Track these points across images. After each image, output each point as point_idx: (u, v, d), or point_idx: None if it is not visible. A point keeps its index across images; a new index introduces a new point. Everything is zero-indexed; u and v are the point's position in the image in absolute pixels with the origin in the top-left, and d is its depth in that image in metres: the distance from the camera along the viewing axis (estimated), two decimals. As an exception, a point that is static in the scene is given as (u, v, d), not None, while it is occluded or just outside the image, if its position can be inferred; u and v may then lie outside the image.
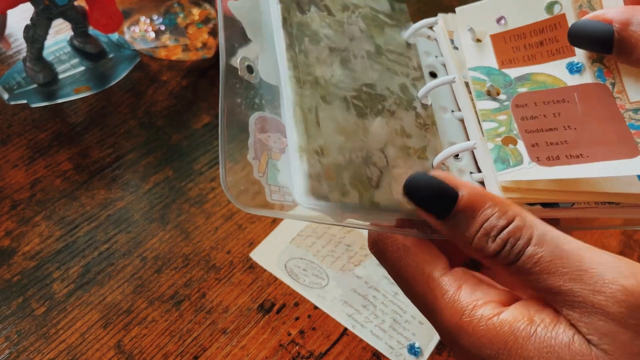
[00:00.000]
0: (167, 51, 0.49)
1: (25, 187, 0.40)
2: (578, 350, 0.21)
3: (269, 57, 0.27)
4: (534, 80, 0.30)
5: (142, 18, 0.50)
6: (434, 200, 0.24)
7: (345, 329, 0.37)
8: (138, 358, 0.34)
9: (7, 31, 0.46)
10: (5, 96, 0.43)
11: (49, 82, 0.45)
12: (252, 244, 0.39)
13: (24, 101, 0.44)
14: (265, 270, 0.38)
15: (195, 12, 0.51)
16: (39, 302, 0.35)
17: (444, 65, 0.32)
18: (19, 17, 0.47)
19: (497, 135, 0.28)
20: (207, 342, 0.35)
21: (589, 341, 0.21)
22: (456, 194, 0.23)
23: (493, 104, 0.30)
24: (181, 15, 0.50)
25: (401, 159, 0.27)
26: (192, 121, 0.46)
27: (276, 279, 0.38)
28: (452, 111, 0.30)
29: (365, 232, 0.42)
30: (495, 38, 0.32)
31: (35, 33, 0.42)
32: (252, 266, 0.39)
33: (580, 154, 0.27)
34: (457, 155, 0.29)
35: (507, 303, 0.23)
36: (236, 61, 0.26)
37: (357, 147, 0.27)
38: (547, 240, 0.22)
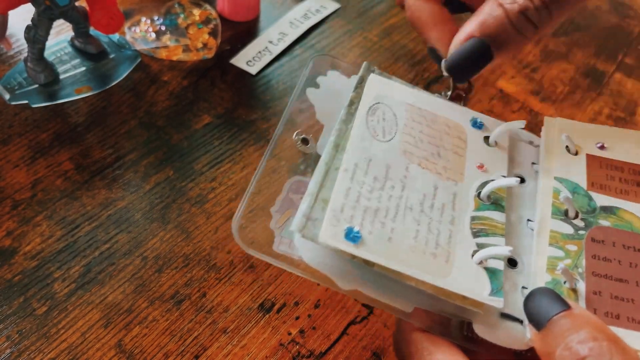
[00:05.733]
0: (168, 51, 0.49)
1: (26, 187, 0.40)
2: None
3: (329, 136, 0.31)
4: (620, 216, 0.28)
5: (143, 18, 0.50)
6: (545, 305, 0.23)
7: (346, 329, 0.37)
8: (139, 357, 0.34)
9: (8, 31, 0.46)
10: (7, 96, 0.44)
11: (50, 82, 0.45)
12: (253, 244, 0.40)
13: (25, 101, 0.44)
14: (265, 270, 0.39)
15: (196, 12, 0.51)
16: (40, 302, 0.36)
17: (537, 172, 0.32)
18: (20, 18, 0.47)
19: (559, 267, 0.26)
20: (208, 341, 0.35)
21: None
22: (567, 306, 0.22)
23: (567, 228, 0.28)
24: (182, 16, 0.50)
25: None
26: (193, 121, 0.46)
27: (277, 278, 0.38)
28: (528, 220, 0.30)
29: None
30: (591, 158, 0.30)
31: (37, 33, 0.42)
32: (253, 266, 0.39)
33: None
34: (516, 265, 0.28)
35: None
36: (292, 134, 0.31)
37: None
38: None
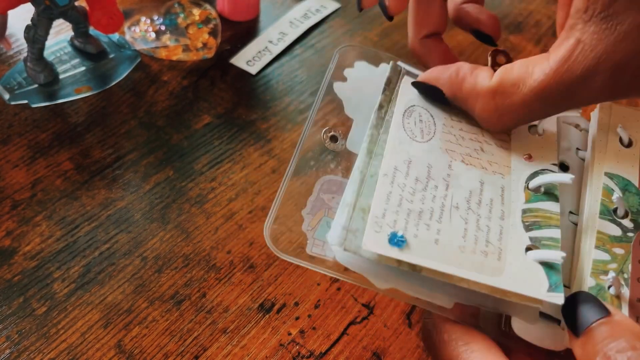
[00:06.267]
0: (168, 51, 0.49)
1: (26, 187, 0.40)
2: None
3: (360, 132, 0.30)
4: None
5: (143, 18, 0.50)
6: (586, 311, 0.22)
7: (346, 329, 0.37)
8: (138, 358, 0.34)
9: (8, 31, 0.46)
10: (6, 96, 0.44)
11: (50, 82, 0.45)
12: (252, 244, 0.40)
13: (25, 101, 0.44)
14: (265, 270, 0.39)
15: (196, 12, 0.51)
16: (39, 302, 0.36)
17: (583, 159, 0.30)
18: (20, 18, 0.47)
19: (603, 271, 0.25)
20: (208, 341, 0.35)
21: None
22: (607, 312, 0.21)
23: (615, 230, 0.27)
24: (182, 16, 0.50)
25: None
26: (193, 121, 0.46)
27: (276, 278, 0.38)
28: (570, 212, 0.29)
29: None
30: None
31: (36, 33, 0.42)
32: (252, 266, 0.39)
33: None
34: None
35: None
36: (320, 131, 0.31)
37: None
38: None
